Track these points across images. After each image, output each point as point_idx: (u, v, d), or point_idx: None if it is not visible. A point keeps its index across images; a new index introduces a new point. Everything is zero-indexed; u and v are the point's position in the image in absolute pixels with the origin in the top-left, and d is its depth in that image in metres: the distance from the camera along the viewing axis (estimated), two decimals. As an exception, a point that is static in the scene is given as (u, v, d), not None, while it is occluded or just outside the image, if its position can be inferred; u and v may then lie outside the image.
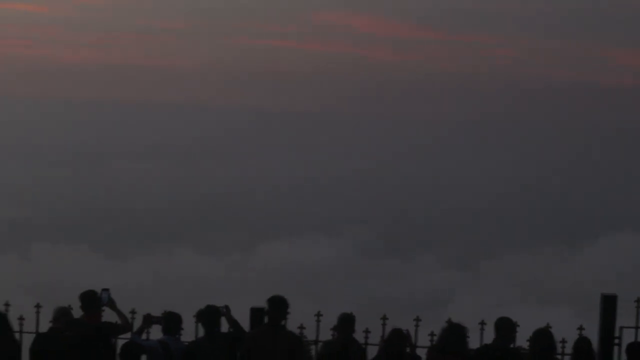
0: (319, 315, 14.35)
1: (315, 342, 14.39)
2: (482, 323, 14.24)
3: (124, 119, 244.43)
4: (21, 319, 14.13)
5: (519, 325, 13.96)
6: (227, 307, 13.98)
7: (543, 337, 13.58)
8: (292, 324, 13.97)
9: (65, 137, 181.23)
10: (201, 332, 14.01)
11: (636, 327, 14.90)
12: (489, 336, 13.90)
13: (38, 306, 14.16)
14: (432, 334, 14.03)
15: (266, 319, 13.79)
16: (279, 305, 13.66)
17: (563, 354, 14.17)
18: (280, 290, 14.31)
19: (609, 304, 15.33)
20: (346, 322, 13.93)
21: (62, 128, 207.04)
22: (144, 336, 13.97)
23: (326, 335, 14.20)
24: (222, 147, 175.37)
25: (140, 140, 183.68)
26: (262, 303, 13.87)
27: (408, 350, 13.69)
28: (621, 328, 15.13)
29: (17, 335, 14.02)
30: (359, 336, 14.10)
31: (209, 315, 13.87)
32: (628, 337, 14.67)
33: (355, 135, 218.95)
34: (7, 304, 14.06)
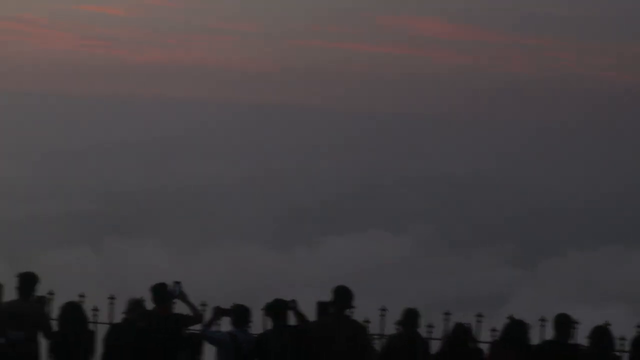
0: (383, 309, 14.32)
1: (380, 336, 14.37)
2: (543, 319, 14.15)
3: (199, 118, 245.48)
4: (95, 310, 14.24)
5: (578, 323, 13.89)
6: (294, 301, 13.99)
7: (602, 335, 13.51)
8: (357, 318, 13.97)
9: (138, 134, 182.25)
10: (269, 325, 14.06)
11: None
12: (549, 332, 13.85)
13: (112, 298, 14.28)
14: (493, 330, 13.99)
15: (331, 309, 13.83)
16: (343, 295, 13.70)
17: (622, 351, 14.02)
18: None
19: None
20: (411, 317, 13.91)
21: (132, 125, 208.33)
22: (213, 328, 14.01)
23: (391, 329, 14.18)
24: (298, 147, 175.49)
25: (211, 139, 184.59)
26: (328, 297, 13.91)
27: (471, 345, 13.68)
28: None
29: (91, 326, 14.12)
30: (422, 331, 14.04)
31: (278, 309, 13.89)
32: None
33: (420, 136, 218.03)
34: (81, 296, 14.15)
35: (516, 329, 13.71)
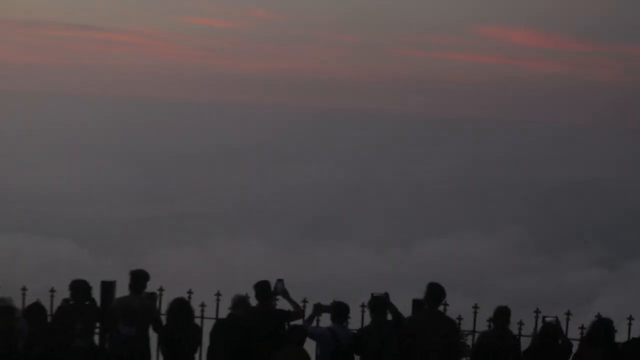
0: (476, 307, 14.23)
1: (472, 332, 14.29)
2: (630, 318, 13.93)
3: (300, 123, 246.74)
4: (202, 305, 14.34)
5: (665, 322, 13.72)
6: (386, 294, 13.98)
7: None
8: (450, 315, 13.95)
9: (242, 139, 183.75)
10: (366, 321, 14.05)
11: None
12: (636, 331, 13.62)
13: (218, 294, 14.36)
14: (582, 327, 13.82)
15: (425, 306, 13.77)
16: (436, 292, 13.63)
17: None
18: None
19: None
20: (502, 314, 13.79)
21: (238, 129, 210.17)
22: (314, 324, 14.01)
23: (482, 326, 14.10)
24: (392, 154, 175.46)
25: (312, 146, 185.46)
26: (422, 295, 13.87)
27: (560, 341, 13.54)
28: None
29: (198, 321, 14.25)
30: (512, 328, 13.95)
31: (378, 305, 13.88)
32: None
33: (510, 143, 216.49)
34: (189, 292, 14.27)
35: (603, 327, 13.48)
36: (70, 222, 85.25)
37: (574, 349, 13.68)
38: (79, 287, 13.98)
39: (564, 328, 13.81)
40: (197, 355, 14.13)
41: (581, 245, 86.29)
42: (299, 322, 13.96)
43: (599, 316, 13.67)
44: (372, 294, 13.96)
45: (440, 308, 13.83)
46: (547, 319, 13.73)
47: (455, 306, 14.18)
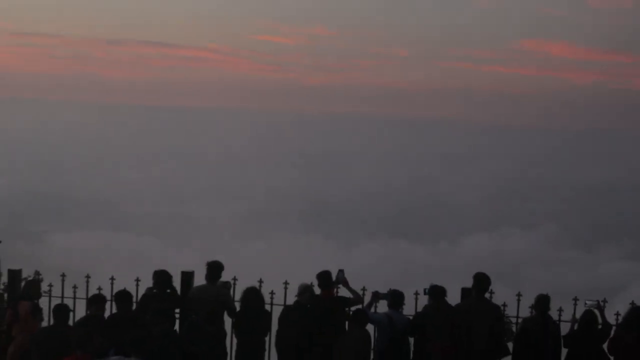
0: (519, 295, 14.19)
1: (517, 317, 14.23)
2: None
3: (364, 131, 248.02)
4: (272, 293, 14.41)
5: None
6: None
7: None
8: (495, 302, 13.98)
9: (308, 146, 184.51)
10: (419, 307, 14.15)
11: None
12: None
13: (286, 283, 14.40)
14: (617, 314, 13.73)
15: (473, 293, 13.82)
16: (483, 281, 13.65)
17: None
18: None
19: None
20: (542, 301, 13.74)
21: (301, 138, 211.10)
22: (372, 309, 14.07)
23: (525, 312, 14.04)
24: (443, 156, 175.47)
25: (366, 148, 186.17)
26: (470, 284, 13.93)
27: (600, 325, 13.48)
28: None
29: (268, 307, 14.32)
30: (553, 314, 13.90)
31: (438, 291, 13.94)
32: None
33: (550, 146, 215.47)
34: (260, 281, 14.34)
35: (638, 312, 13.39)
36: (151, 219, 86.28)
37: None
38: (161, 277, 14.15)
39: (599, 314, 13.74)
40: (267, 339, 14.24)
41: (613, 240, 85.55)
42: (359, 307, 14.01)
43: (633, 303, 13.59)
44: (430, 284, 14.04)
45: (487, 296, 13.84)
46: (587, 303, 13.65)
47: (500, 295, 14.16)
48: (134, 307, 13.77)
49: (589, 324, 13.36)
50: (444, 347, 13.59)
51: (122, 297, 13.46)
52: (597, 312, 13.59)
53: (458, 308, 13.93)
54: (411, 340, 14.03)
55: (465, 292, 14.18)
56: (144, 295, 14.07)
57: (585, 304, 13.70)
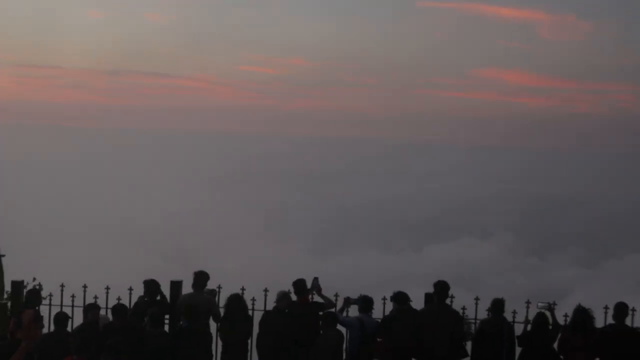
0: (477, 299, 14.25)
1: (475, 320, 14.28)
2: (606, 307, 13.86)
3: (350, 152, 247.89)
4: (253, 300, 14.42)
5: (635, 310, 13.66)
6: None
7: None
8: (455, 306, 14.03)
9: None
10: (387, 311, 14.17)
11: None
12: (610, 319, 13.59)
13: (265, 290, 14.44)
14: (566, 315, 13.80)
15: (435, 299, 13.85)
16: (443, 288, 13.69)
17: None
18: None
19: None
20: (498, 304, 13.84)
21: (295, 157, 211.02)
22: (344, 314, 14.11)
23: (482, 315, 14.11)
24: (409, 176, 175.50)
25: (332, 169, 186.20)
26: (431, 290, 13.99)
27: (550, 326, 13.55)
28: None
29: (249, 312, 14.34)
30: (507, 316, 13.99)
31: (402, 297, 13.95)
32: None
33: (503, 164, 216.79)
34: (242, 289, 14.33)
35: (582, 314, 13.44)
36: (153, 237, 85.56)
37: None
38: (150, 286, 14.18)
39: (550, 315, 13.81)
40: (249, 342, 14.20)
41: (561, 248, 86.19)
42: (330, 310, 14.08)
43: (579, 306, 13.60)
44: (394, 291, 14.10)
45: (447, 301, 13.89)
46: (540, 305, 13.73)
47: (460, 299, 14.24)
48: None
49: (541, 325, 13.43)
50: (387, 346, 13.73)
51: (118, 310, 13.47)
52: (548, 313, 13.65)
53: (421, 312, 13.93)
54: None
55: (428, 297, 14.20)
56: (136, 303, 14.05)
57: (538, 305, 13.78)
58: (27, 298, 14.09)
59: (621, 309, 13.39)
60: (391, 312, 14.03)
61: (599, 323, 13.61)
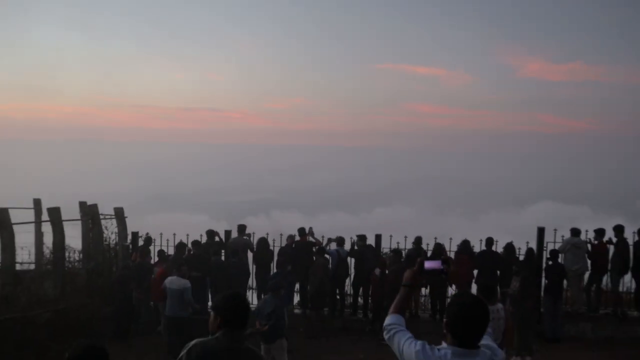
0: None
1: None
2: (482, 240, 13.00)
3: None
4: (274, 240, 14.02)
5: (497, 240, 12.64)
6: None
7: (509, 247, 12.60)
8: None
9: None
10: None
11: None
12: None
13: (281, 235, 14.17)
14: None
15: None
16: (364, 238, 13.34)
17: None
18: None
19: None
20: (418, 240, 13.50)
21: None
22: (328, 247, 13.78)
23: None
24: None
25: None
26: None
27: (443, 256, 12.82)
28: None
29: (271, 248, 13.99)
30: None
31: (362, 237, 13.69)
32: None
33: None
34: (267, 234, 14.16)
35: (466, 244, 13.02)
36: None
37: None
38: (212, 232, 14.00)
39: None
40: (271, 264, 13.92)
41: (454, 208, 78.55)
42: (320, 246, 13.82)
43: (464, 240, 13.05)
44: (357, 235, 13.79)
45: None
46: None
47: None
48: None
49: (437, 252, 12.48)
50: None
51: (196, 244, 13.32)
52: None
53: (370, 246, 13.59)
54: (350, 262, 13.73)
55: (378, 238, 13.81)
56: (205, 242, 13.80)
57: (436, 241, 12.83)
58: (145, 240, 14.11)
59: (489, 242, 12.77)
60: (356, 245, 13.77)
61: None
